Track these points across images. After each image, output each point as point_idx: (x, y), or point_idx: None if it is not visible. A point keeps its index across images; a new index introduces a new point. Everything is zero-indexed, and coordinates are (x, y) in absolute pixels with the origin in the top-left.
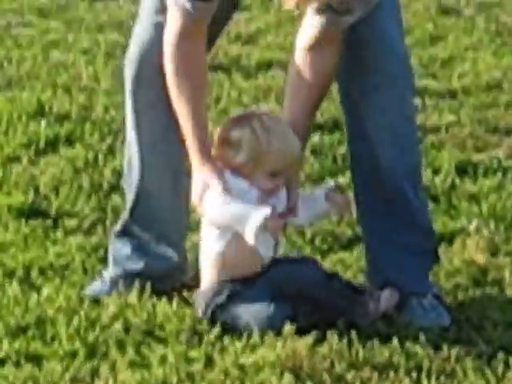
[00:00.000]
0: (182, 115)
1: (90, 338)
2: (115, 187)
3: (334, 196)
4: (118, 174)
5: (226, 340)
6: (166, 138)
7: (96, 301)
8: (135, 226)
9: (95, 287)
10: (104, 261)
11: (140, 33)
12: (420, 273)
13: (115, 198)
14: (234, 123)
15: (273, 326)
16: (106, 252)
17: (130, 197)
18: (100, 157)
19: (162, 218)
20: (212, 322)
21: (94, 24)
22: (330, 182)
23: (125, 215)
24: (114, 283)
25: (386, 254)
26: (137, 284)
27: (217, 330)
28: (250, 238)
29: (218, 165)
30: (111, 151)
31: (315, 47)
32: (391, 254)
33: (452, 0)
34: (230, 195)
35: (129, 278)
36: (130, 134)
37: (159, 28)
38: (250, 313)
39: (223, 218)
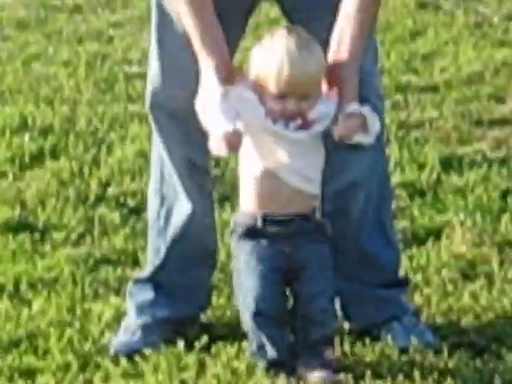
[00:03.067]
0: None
1: (83, 349)
2: (101, 198)
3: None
4: (104, 184)
5: (219, 345)
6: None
7: (87, 312)
8: (164, 273)
9: (124, 341)
10: (92, 271)
11: None
12: (396, 300)
13: (102, 209)
14: (269, 37)
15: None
16: (95, 263)
17: (161, 243)
18: (85, 168)
19: (194, 265)
20: None
21: (73, 36)
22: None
23: (155, 263)
24: (145, 332)
25: (355, 301)
26: None
27: (208, 335)
28: (211, 148)
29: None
30: (96, 162)
31: None
32: (361, 300)
33: None
34: (226, 103)
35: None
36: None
37: None
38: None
39: (204, 122)
